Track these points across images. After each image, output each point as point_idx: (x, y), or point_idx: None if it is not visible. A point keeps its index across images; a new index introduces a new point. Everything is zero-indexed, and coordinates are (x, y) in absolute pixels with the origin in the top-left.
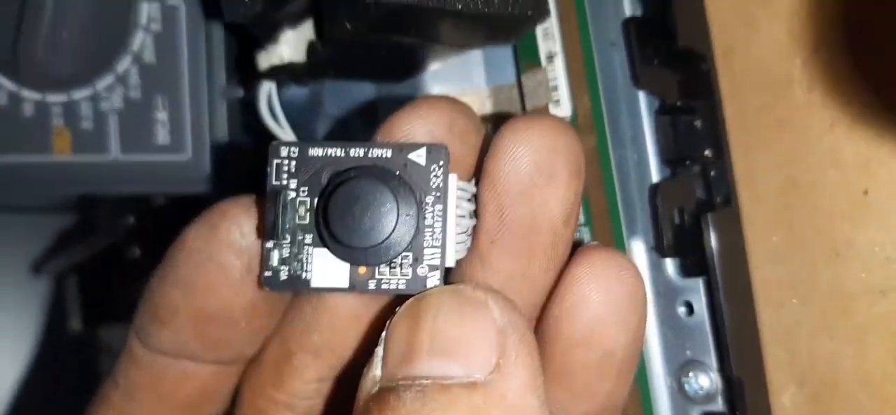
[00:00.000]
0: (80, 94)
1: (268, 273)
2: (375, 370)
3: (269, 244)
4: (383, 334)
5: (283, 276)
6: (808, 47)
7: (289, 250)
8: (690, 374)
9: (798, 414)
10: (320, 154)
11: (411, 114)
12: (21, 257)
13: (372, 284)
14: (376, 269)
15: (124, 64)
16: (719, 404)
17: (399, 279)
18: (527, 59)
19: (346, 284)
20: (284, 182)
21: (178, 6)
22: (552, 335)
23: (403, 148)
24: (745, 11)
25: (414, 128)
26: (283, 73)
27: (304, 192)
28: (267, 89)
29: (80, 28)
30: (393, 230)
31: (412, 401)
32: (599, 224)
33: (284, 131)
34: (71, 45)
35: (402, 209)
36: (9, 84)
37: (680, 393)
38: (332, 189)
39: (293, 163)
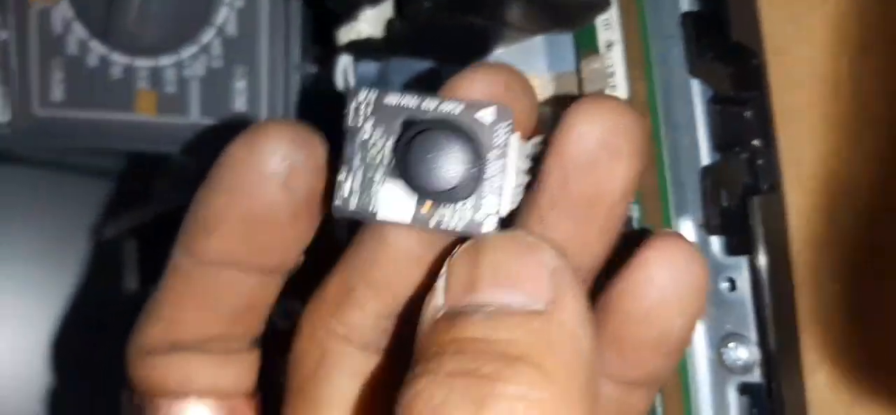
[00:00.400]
0: (166, 60)
1: (338, 201)
2: (438, 299)
3: (342, 176)
4: (444, 268)
5: (353, 205)
6: (855, 48)
7: (360, 183)
8: (730, 345)
9: (832, 392)
10: (394, 102)
11: (473, 75)
12: (81, 221)
13: (433, 223)
14: (438, 210)
15: (208, 35)
16: (756, 376)
17: (458, 221)
18: (586, 47)
19: (408, 220)
20: (360, 124)
21: None
22: (611, 307)
23: (473, 106)
24: (795, 11)
25: (474, 87)
26: (360, 48)
27: (378, 133)
28: (344, 62)
29: (169, 1)
30: (459, 179)
31: (479, 322)
32: (650, 202)
33: None
34: (159, 16)
35: (468, 161)
36: (100, 47)
37: (719, 364)
38: (412, 135)
39: (370, 107)
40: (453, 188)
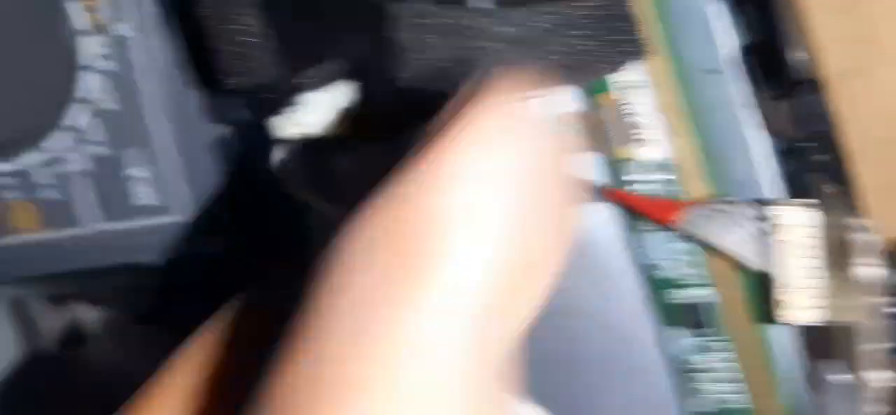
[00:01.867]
0: (33, 158)
1: None
2: None
3: None
4: None
5: None
6: None
7: None
8: None
9: None
10: None
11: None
12: None
13: None
14: None
15: (80, 116)
16: None
17: None
18: (596, 90)
19: None
20: None
21: (128, 35)
22: None
23: None
24: (863, 35)
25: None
26: (306, 145)
27: None
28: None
29: (12, 77)
30: None
31: None
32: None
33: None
34: (4, 100)
35: None
36: None
37: None
38: None
39: None
40: None
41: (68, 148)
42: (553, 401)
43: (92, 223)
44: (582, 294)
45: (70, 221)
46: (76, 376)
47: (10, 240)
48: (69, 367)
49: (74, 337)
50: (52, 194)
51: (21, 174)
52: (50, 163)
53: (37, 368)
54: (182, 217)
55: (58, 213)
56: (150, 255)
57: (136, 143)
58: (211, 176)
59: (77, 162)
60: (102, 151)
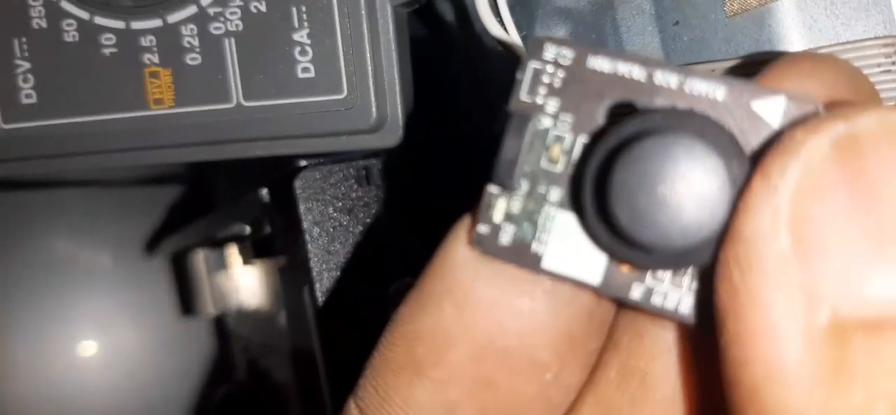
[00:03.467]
0: (180, 14)
1: (483, 228)
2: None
3: (494, 189)
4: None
5: (505, 238)
6: None
7: (522, 203)
8: None
9: None
10: (607, 69)
11: (789, 66)
12: (129, 236)
13: (636, 293)
14: (651, 274)
15: None
16: None
17: (681, 296)
18: None
19: (596, 281)
20: (539, 101)
21: None
22: None
23: (746, 91)
24: None
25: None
26: None
27: (566, 123)
28: None
29: None
30: (706, 232)
31: None
32: None
33: (509, 34)
34: None
35: (728, 197)
36: (78, 10)
37: None
38: (626, 138)
39: (561, 74)
40: (691, 248)
41: (217, 1)
42: None
43: (236, 99)
44: None
45: (213, 94)
46: None
47: (141, 114)
48: None
49: None
50: (194, 59)
51: (163, 34)
52: (197, 18)
53: None
54: (342, 97)
55: (198, 82)
56: (305, 143)
57: (302, 0)
58: (388, 50)
59: (230, 19)
60: (259, 5)
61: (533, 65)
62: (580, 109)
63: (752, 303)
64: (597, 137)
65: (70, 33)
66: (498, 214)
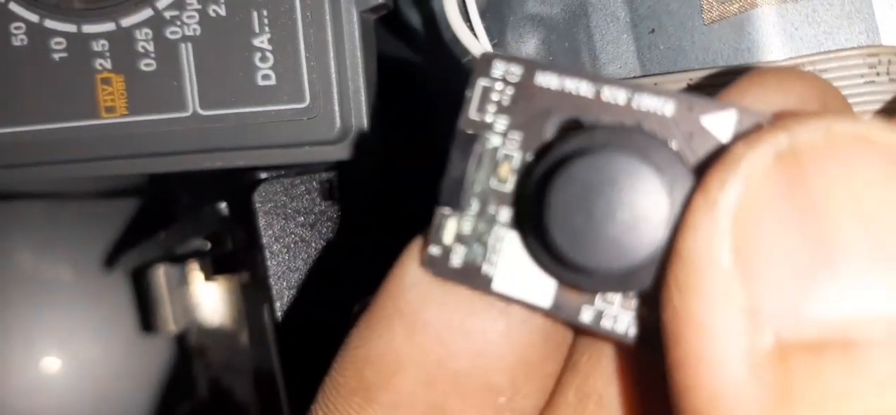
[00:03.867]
0: (134, 18)
1: (434, 249)
2: (739, 334)
3: (445, 210)
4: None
5: (456, 260)
6: None
7: (472, 224)
8: None
9: None
10: (555, 86)
11: (752, 82)
12: (89, 250)
13: (587, 316)
14: (600, 296)
15: None
16: None
17: (631, 319)
18: None
19: (547, 303)
20: (488, 119)
21: None
22: None
23: (696, 105)
24: None
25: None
26: None
27: (514, 141)
28: None
29: None
30: (650, 252)
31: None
32: None
33: (479, 42)
34: None
35: (673, 213)
36: (27, 13)
37: None
38: (560, 160)
39: (509, 91)
40: (631, 269)
41: (176, 4)
42: None
43: (193, 107)
44: None
45: (169, 102)
46: None
47: (93, 123)
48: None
49: None
50: (149, 64)
51: (116, 38)
52: (152, 23)
53: None
54: (305, 106)
55: (152, 90)
56: (266, 155)
57: (260, 4)
58: (352, 56)
59: (187, 23)
60: (217, 9)
61: (482, 82)
62: (529, 126)
63: (692, 328)
64: (540, 156)
65: (18, 37)
66: (448, 235)
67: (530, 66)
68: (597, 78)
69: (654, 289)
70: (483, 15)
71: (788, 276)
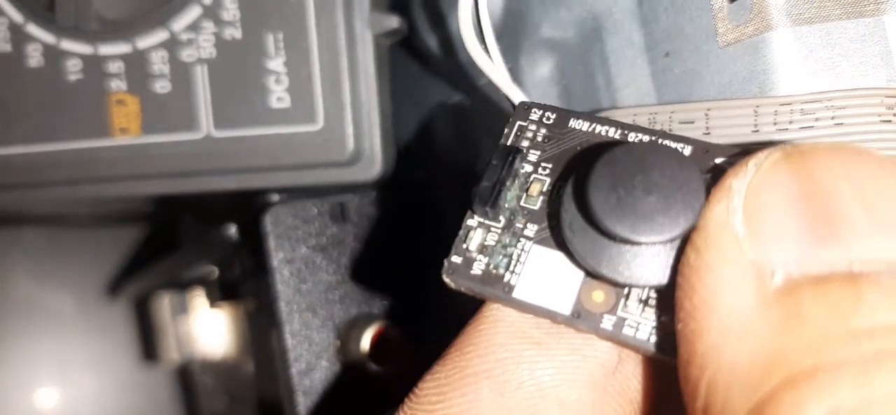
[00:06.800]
0: (149, 40)
1: (456, 258)
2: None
3: (472, 222)
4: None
5: (477, 269)
6: None
7: (497, 237)
8: None
9: None
10: (585, 128)
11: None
12: (91, 277)
13: (608, 323)
14: (623, 300)
15: None
16: None
17: (652, 327)
18: None
19: (566, 311)
20: (523, 147)
21: None
22: None
23: (712, 150)
24: None
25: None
26: None
27: (544, 171)
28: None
29: None
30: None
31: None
32: None
33: (495, 66)
34: None
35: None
36: (44, 34)
37: None
38: (600, 153)
39: (543, 131)
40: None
41: (191, 27)
42: None
43: (206, 129)
44: None
45: (181, 122)
46: None
47: (105, 143)
48: None
49: None
50: (164, 87)
51: (131, 60)
52: (167, 45)
53: None
54: (318, 128)
55: (166, 110)
56: (277, 176)
57: (275, 26)
58: (366, 80)
59: (202, 46)
60: (233, 33)
61: (519, 124)
62: (558, 158)
63: (705, 276)
64: (560, 176)
65: (35, 58)
66: (474, 244)
67: (564, 113)
68: (621, 125)
69: (670, 289)
70: (498, 38)
71: (796, 238)
